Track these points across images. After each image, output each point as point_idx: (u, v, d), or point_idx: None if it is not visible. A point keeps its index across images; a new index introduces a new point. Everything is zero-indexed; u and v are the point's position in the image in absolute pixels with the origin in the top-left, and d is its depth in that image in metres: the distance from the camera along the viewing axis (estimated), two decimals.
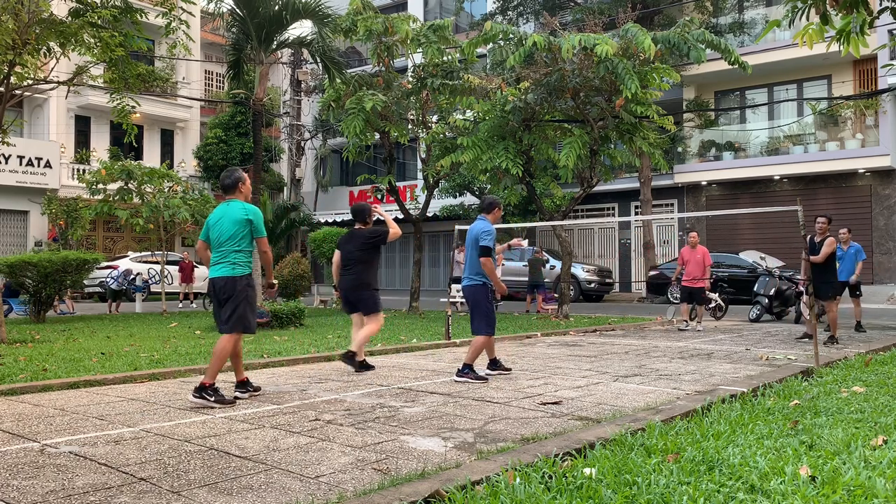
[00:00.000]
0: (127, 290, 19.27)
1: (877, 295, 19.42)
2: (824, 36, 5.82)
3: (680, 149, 24.13)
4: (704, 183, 23.88)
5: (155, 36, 23.09)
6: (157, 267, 20.33)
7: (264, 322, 12.33)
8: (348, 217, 30.76)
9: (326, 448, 4.11)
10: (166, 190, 18.07)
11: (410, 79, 16.56)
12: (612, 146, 15.22)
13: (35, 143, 26.34)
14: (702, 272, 12.55)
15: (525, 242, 8.45)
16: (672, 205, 24.70)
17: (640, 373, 7.12)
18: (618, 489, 3.14)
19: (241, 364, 5.84)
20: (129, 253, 24.35)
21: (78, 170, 26.91)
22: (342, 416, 5.00)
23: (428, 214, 19.96)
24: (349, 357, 7.12)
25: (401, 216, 17.39)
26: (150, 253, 23.10)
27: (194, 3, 12.01)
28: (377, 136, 17.36)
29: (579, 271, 22.13)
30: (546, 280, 19.43)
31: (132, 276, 19.64)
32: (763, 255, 16.79)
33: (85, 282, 17.50)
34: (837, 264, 12.00)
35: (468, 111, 17.00)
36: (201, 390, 5.39)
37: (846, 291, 11.96)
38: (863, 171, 21.21)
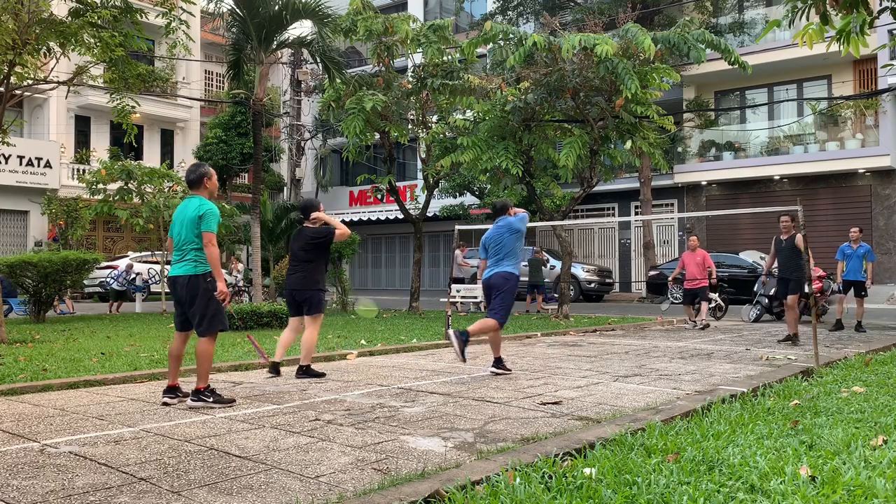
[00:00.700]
0: (127, 290, 19.27)
1: (877, 295, 19.40)
2: (824, 36, 5.82)
3: (680, 149, 24.14)
4: (704, 183, 23.88)
5: (155, 36, 23.11)
6: (157, 267, 20.33)
7: (264, 322, 12.36)
8: (348, 217, 30.90)
9: (326, 448, 4.11)
10: (166, 190, 18.07)
11: (410, 79, 16.57)
12: (612, 146, 15.22)
13: (35, 143, 26.35)
14: (701, 273, 12.74)
15: None
16: (672, 205, 24.71)
17: (640, 373, 7.12)
18: (618, 489, 3.14)
19: (177, 368, 5.67)
20: (129, 253, 24.36)
21: (78, 170, 26.92)
22: (342, 416, 5.00)
23: (428, 214, 19.96)
24: (301, 371, 6.89)
25: (401, 216, 17.39)
26: (150, 253, 23.10)
27: (194, 3, 12.00)
28: (377, 136, 17.37)
29: (579, 271, 22.13)
30: (546, 280, 19.43)
31: (133, 276, 19.63)
32: (763, 255, 16.78)
33: (85, 282, 17.50)
34: (844, 263, 12.00)
35: (468, 111, 17.00)
36: (197, 394, 5.36)
37: (851, 291, 11.97)
38: (863, 171, 21.22)
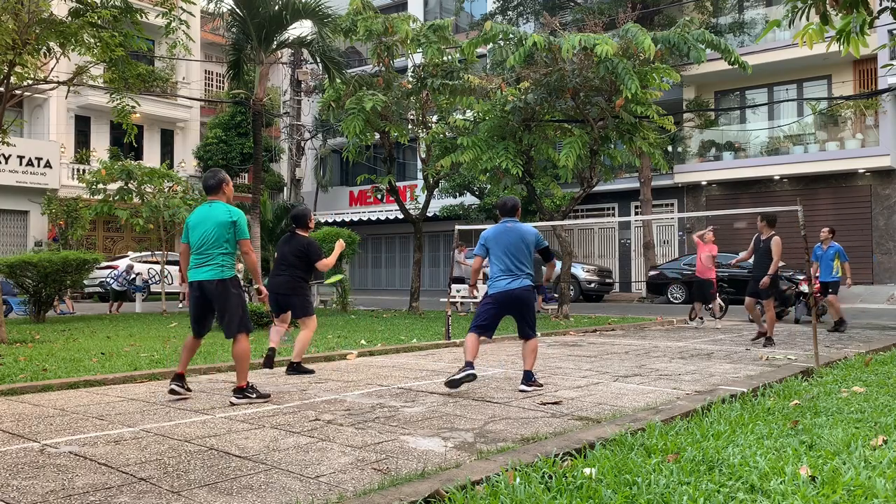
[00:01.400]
0: (127, 290, 19.27)
1: (877, 295, 19.41)
2: (824, 36, 5.82)
3: (680, 149, 24.13)
4: (704, 183, 23.88)
5: (155, 36, 23.11)
6: (157, 267, 20.33)
7: (264, 322, 12.35)
8: (349, 217, 30.91)
9: (326, 448, 4.11)
10: (166, 190, 18.07)
11: (410, 79, 16.56)
12: (612, 146, 15.23)
13: (35, 143, 26.34)
14: (699, 264, 12.81)
15: None
16: (672, 205, 24.71)
17: (640, 373, 7.12)
18: (618, 489, 3.14)
19: (189, 360, 5.87)
20: (129, 253, 24.35)
21: (78, 170, 26.91)
22: (342, 416, 5.00)
23: (428, 214, 19.96)
24: (292, 368, 7.04)
25: (401, 216, 17.37)
26: (150, 253, 23.10)
27: (194, 3, 12.00)
28: (377, 136, 17.36)
29: (579, 271, 22.13)
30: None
31: (133, 276, 19.63)
32: None
33: (85, 282, 17.49)
34: (817, 265, 12.03)
35: (468, 111, 17.00)
36: (241, 391, 5.54)
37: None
38: (863, 171, 21.21)
